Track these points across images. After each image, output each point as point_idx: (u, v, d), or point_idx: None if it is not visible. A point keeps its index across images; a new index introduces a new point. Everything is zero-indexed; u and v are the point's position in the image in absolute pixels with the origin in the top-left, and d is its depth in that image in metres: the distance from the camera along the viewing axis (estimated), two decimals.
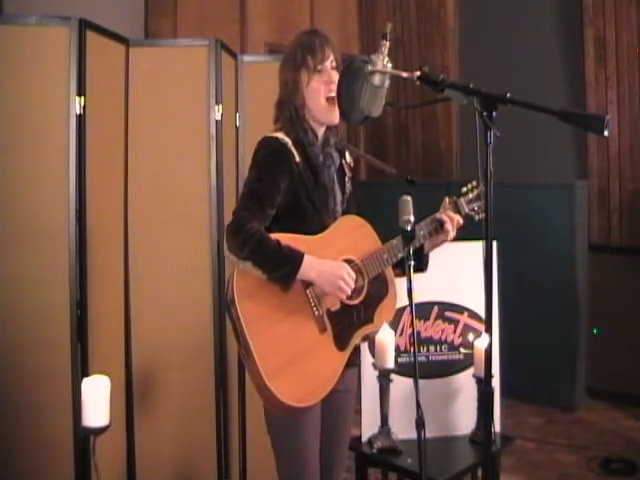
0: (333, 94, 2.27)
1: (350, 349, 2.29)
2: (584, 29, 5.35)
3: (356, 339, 2.31)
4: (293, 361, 2.16)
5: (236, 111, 3.53)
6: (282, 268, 2.14)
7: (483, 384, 1.87)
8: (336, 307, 2.26)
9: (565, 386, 5.00)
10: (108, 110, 3.09)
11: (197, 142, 3.30)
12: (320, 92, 2.31)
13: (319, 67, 2.31)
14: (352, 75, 2.02)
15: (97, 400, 2.47)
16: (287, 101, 2.34)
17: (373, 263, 2.31)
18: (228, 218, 2.22)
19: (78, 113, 2.84)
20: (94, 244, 2.93)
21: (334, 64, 2.32)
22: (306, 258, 2.16)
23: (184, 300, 3.28)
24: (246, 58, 3.59)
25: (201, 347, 3.30)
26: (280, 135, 2.31)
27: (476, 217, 2.49)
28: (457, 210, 2.46)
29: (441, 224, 2.41)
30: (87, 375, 2.69)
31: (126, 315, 3.23)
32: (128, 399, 3.23)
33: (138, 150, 3.23)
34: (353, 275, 2.23)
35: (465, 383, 3.26)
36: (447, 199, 2.48)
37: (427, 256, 2.48)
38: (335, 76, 2.29)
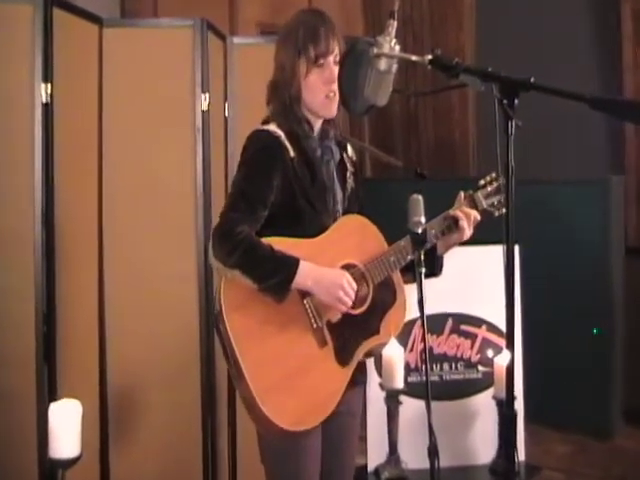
0: (333, 94, 2.29)
1: (353, 365, 2.29)
2: (621, 4, 5.34)
3: (360, 353, 2.31)
4: (289, 380, 2.17)
5: (225, 100, 3.53)
6: (274, 276, 2.14)
7: (504, 407, 1.87)
8: (337, 318, 2.27)
9: (598, 410, 4.98)
10: (79, 99, 3.09)
11: (181, 135, 3.30)
12: (319, 90, 2.32)
13: (321, 61, 2.31)
14: (355, 59, 2.01)
15: (67, 428, 2.46)
16: (282, 86, 2.35)
17: (378, 267, 2.32)
18: (216, 221, 2.23)
19: (44, 102, 2.84)
20: (64, 251, 2.93)
21: (337, 59, 2.33)
22: (302, 265, 2.16)
23: (166, 312, 3.28)
24: (236, 40, 3.60)
25: (186, 364, 3.30)
26: (272, 128, 2.32)
27: (496, 213, 2.48)
28: (474, 205, 2.46)
29: (455, 221, 2.41)
30: (55, 399, 2.68)
31: (100, 330, 3.23)
32: (103, 425, 3.23)
33: (114, 145, 3.24)
34: (354, 285, 2.23)
35: (484, 405, 3.26)
36: (462, 194, 2.48)
37: (441, 258, 2.48)
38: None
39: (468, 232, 2.41)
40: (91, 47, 3.16)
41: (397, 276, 2.40)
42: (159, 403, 3.27)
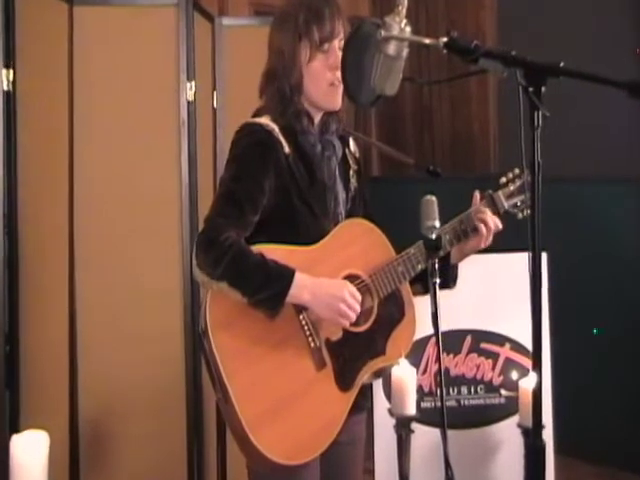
0: (338, 82, 2.28)
1: (356, 389, 2.28)
2: None
3: (363, 376, 2.30)
4: (283, 406, 2.16)
5: (213, 89, 3.54)
6: (267, 289, 2.14)
7: (531, 436, 1.85)
8: (338, 336, 2.26)
9: (639, 440, 4.98)
10: (46, 88, 3.09)
11: (164, 129, 3.30)
12: (323, 78, 2.32)
13: (326, 46, 2.31)
14: (361, 43, 2.01)
15: (31, 463, 2.44)
16: (280, 75, 2.34)
17: (385, 278, 2.31)
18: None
19: (5, 90, 2.83)
20: (28, 262, 2.92)
21: (343, 43, 2.31)
22: (297, 276, 2.16)
23: (147, 331, 3.28)
24: (225, 21, 3.61)
25: (169, 390, 3.30)
26: (264, 121, 2.32)
27: (519, 215, 2.49)
28: (494, 206, 2.46)
29: (473, 227, 2.41)
30: (18, 431, 2.66)
31: (71, 351, 3.22)
32: (73, 460, 3.22)
33: (87, 140, 3.24)
34: (358, 296, 2.23)
35: (508, 435, 3.24)
36: (478, 193, 2.48)
37: (455, 268, 2.48)
38: None
39: (487, 238, 2.41)
40: (59, 28, 3.15)
41: (406, 288, 2.40)
42: (138, 434, 3.27)
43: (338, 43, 2.32)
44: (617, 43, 5.53)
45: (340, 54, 2.28)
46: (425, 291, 2.33)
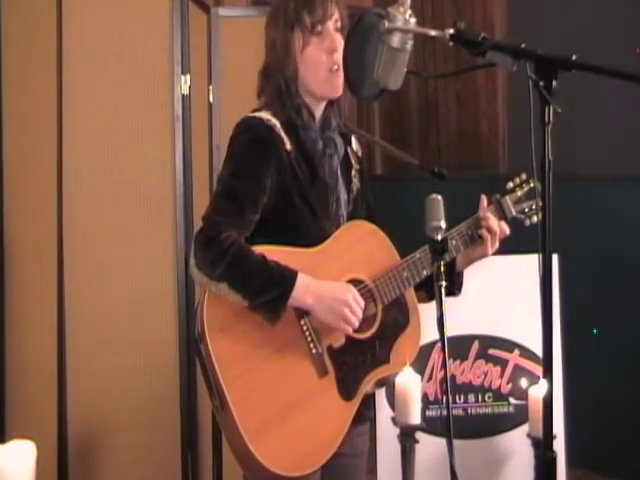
0: (337, 66, 2.29)
1: (359, 399, 2.28)
2: None
3: (367, 385, 2.30)
4: (284, 415, 2.17)
5: (209, 83, 3.53)
6: (268, 292, 2.14)
7: (542, 447, 1.86)
8: (340, 343, 2.26)
9: None
10: (33, 78, 3.09)
11: (157, 124, 3.31)
12: (319, 63, 2.32)
13: (318, 28, 2.31)
14: (363, 35, 2.01)
15: (16, 474, 2.44)
16: (275, 69, 2.35)
17: (389, 284, 2.32)
18: (198, 225, 2.23)
19: None
20: (15, 265, 2.93)
21: (339, 24, 2.33)
22: (300, 278, 2.16)
23: (139, 337, 3.28)
24: (222, 11, 3.61)
25: (162, 399, 3.30)
26: (265, 115, 2.32)
27: (527, 221, 2.49)
28: (501, 212, 2.47)
29: (479, 233, 2.42)
30: (3, 441, 2.66)
31: (59, 359, 3.21)
32: (61, 472, 3.21)
33: (76, 135, 3.24)
34: (361, 302, 2.23)
35: (517, 445, 3.25)
36: (485, 198, 2.49)
37: (461, 275, 2.49)
38: (340, 41, 2.30)
39: (494, 246, 2.42)
40: (48, 17, 3.15)
41: (410, 294, 2.40)
42: (130, 445, 3.27)
43: (333, 25, 2.32)
44: (617, 43, 5.52)
45: (336, 36, 2.30)
46: (430, 298, 2.35)
